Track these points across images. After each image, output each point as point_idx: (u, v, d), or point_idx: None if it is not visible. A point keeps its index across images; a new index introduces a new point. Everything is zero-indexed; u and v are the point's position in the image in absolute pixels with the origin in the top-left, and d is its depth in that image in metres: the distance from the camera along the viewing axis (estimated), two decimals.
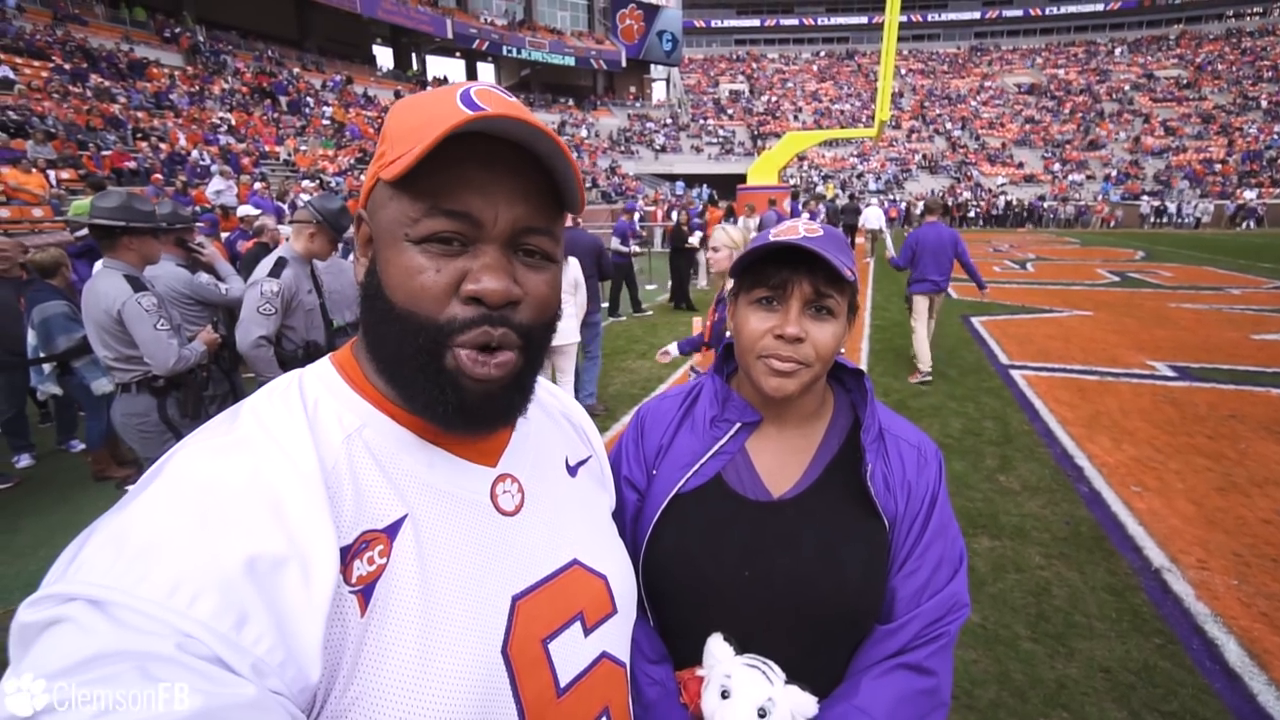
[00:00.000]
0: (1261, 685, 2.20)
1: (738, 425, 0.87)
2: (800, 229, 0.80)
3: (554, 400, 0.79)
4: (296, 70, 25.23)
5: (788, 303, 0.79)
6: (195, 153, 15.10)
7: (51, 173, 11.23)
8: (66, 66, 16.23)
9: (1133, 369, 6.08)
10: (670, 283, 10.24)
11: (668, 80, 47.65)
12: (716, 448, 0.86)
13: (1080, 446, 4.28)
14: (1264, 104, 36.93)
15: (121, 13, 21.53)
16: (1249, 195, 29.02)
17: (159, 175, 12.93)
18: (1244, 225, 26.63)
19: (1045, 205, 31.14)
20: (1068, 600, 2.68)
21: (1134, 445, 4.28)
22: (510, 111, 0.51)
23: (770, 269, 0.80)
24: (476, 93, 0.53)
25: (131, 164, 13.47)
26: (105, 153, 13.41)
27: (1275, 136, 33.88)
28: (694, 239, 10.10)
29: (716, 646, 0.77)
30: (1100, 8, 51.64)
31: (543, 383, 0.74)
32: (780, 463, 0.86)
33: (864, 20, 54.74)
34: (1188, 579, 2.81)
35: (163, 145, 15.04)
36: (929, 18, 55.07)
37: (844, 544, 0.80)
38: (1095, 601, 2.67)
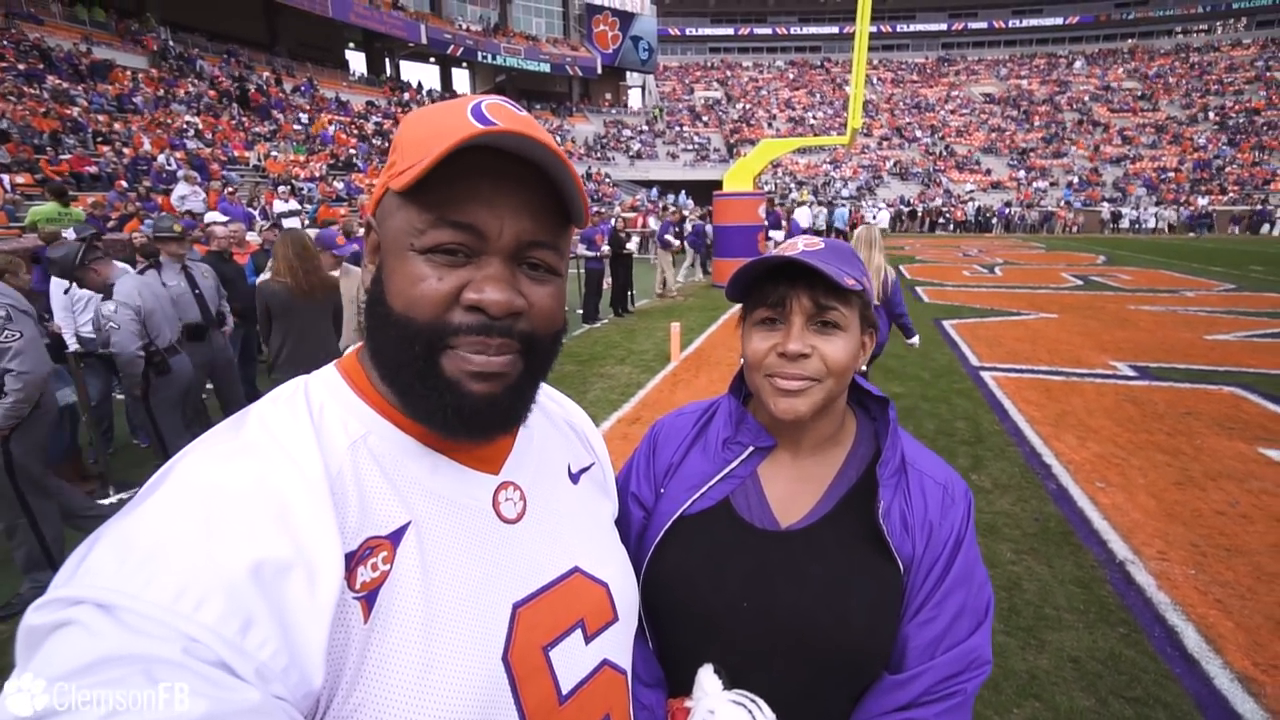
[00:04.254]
0: (1217, 669, 2.31)
1: (750, 449, 0.84)
2: (799, 244, 0.77)
3: (557, 407, 0.79)
4: (266, 74, 24.75)
5: (789, 319, 0.77)
6: (161, 157, 14.69)
7: (5, 177, 10.83)
8: (21, 66, 15.67)
9: (1096, 369, 6.30)
10: (611, 292, 10.19)
11: (643, 87, 47.92)
12: (727, 471, 0.83)
13: (1048, 445, 4.41)
14: (1211, 116, 38.71)
15: (80, 12, 20.87)
16: (1201, 202, 30.36)
17: (123, 181, 12.56)
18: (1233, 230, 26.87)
19: (1011, 211, 32.15)
20: (1038, 594, 2.77)
21: (1098, 443, 4.43)
22: (519, 128, 0.51)
23: (769, 287, 0.78)
24: (488, 106, 0.54)
25: (93, 169, 13.06)
26: (65, 157, 12.99)
27: (1223, 147, 35.53)
28: (631, 245, 10.19)
29: (705, 679, 0.72)
30: (1060, 21, 53.63)
31: (546, 389, 0.73)
32: (792, 491, 0.82)
33: (835, 30, 55.87)
34: (1149, 570, 2.92)
35: (126, 150, 14.61)
36: (898, 28, 56.45)
37: (852, 582, 0.75)
38: (1064, 594, 2.76)
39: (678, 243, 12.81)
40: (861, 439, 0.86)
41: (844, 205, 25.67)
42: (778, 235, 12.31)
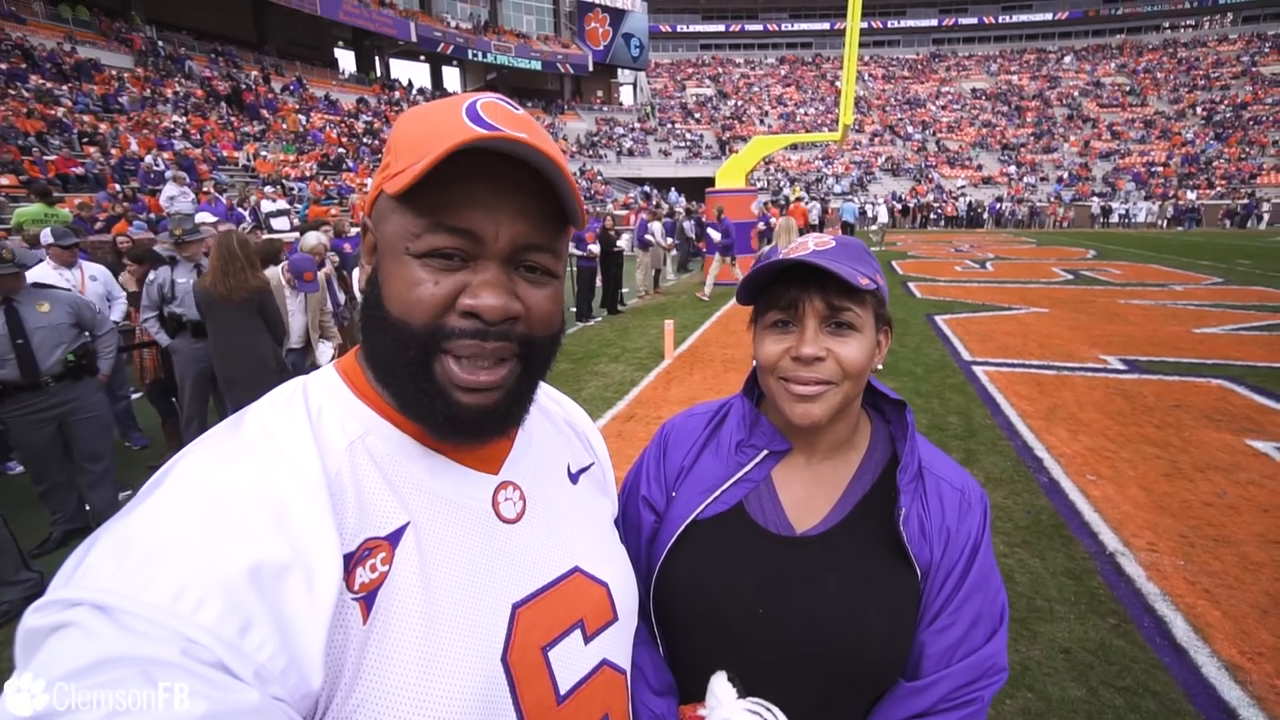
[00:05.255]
0: (1205, 658, 2.34)
1: (764, 452, 0.82)
2: (810, 244, 0.76)
3: (556, 407, 0.79)
4: (254, 73, 24.55)
5: (802, 322, 0.75)
6: (149, 158, 14.54)
7: None
8: (3, 66, 15.48)
9: (1086, 363, 6.35)
10: (602, 290, 10.18)
11: (635, 84, 47.84)
12: (740, 474, 0.82)
13: (1039, 438, 4.45)
14: (1199, 110, 39.06)
15: (63, 11, 20.61)
16: (1190, 196, 30.70)
17: (114, 184, 12.44)
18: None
19: (1002, 206, 32.37)
20: (1030, 586, 2.80)
21: (1089, 436, 4.47)
22: (515, 131, 0.51)
23: (780, 289, 0.76)
24: (482, 106, 0.53)
25: (79, 170, 12.92)
26: (50, 158, 12.83)
27: (1210, 142, 35.87)
28: (622, 243, 10.19)
29: (719, 687, 0.71)
30: (1049, 16, 53.91)
31: (546, 389, 0.73)
32: (807, 496, 0.81)
33: (826, 26, 55.97)
34: (1139, 561, 2.96)
35: (113, 150, 14.46)
36: (889, 24, 56.59)
37: (870, 589, 0.74)
38: (1055, 586, 2.79)
39: (669, 240, 12.73)
40: (877, 442, 0.84)
41: (852, 201, 26.30)
42: (715, 234, 11.85)
